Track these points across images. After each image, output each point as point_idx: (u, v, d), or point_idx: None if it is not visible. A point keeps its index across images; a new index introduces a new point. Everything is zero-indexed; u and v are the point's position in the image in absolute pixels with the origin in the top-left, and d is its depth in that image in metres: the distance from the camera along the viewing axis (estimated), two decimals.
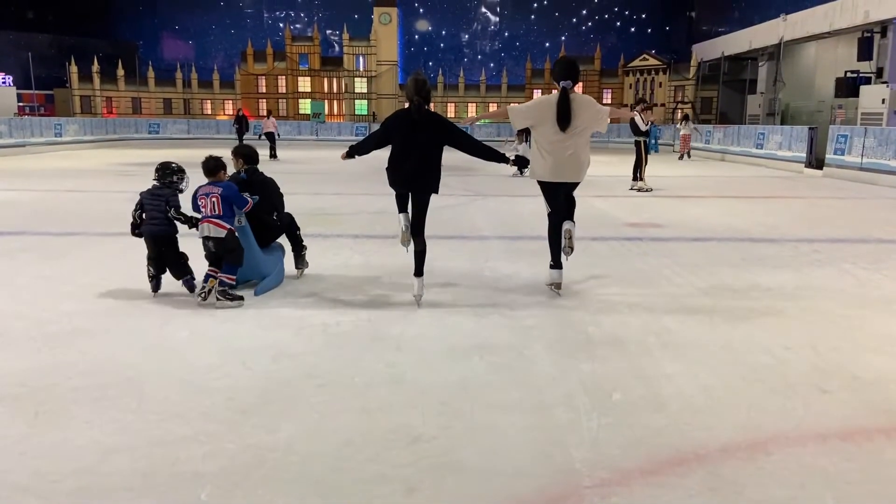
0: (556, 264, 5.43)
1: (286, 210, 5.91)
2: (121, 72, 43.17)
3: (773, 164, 20.59)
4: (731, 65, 33.97)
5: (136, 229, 5.26)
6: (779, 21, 27.94)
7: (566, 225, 5.32)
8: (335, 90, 45.07)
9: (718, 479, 2.66)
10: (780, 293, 5.53)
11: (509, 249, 7.30)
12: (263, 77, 44.87)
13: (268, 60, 44.75)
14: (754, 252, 7.28)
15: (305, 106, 44.40)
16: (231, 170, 5.63)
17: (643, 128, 13.12)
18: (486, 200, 11.61)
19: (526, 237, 7.76)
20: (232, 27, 57.71)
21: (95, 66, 42.33)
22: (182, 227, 5.26)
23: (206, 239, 5.07)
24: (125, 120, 36.68)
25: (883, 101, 19.89)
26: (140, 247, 5.32)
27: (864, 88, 21.40)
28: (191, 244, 5.35)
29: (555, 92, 5.30)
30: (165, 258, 5.22)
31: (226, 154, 5.64)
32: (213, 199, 5.05)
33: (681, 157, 24.41)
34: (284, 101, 44.24)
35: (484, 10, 59.92)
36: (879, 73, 21.80)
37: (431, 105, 5.22)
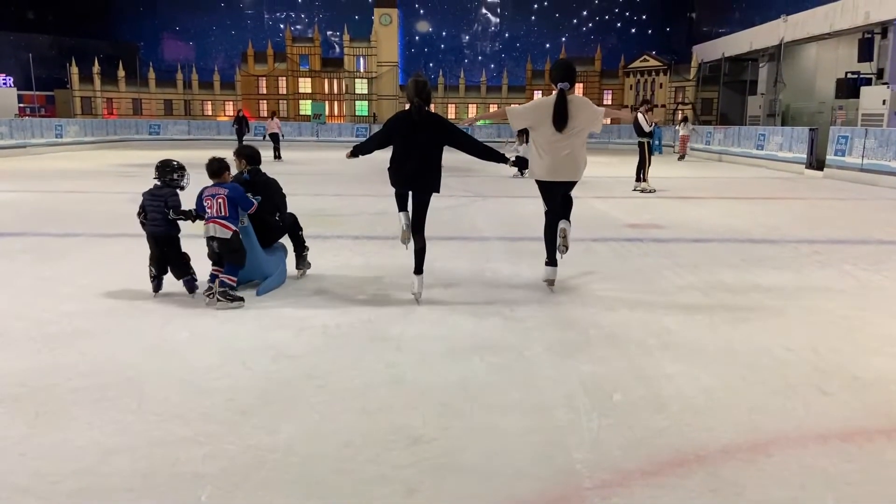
0: (551, 262, 5.59)
1: (289, 211, 5.93)
2: (121, 73, 43.21)
3: (774, 165, 20.59)
4: (731, 66, 33.99)
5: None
6: (779, 22, 27.96)
7: (561, 224, 5.44)
8: (336, 91, 45.10)
9: (719, 480, 2.66)
10: (781, 294, 5.53)
11: (510, 250, 7.30)
12: (264, 78, 44.90)
13: (268, 61, 44.79)
14: (755, 253, 7.28)
15: (306, 107, 44.44)
16: (234, 171, 5.65)
17: (647, 129, 13.10)
18: (486, 201, 11.61)
19: (526, 238, 7.76)
20: (232, 28, 57.72)
21: (96, 67, 42.37)
22: (185, 227, 5.26)
23: (210, 239, 5.08)
24: (126, 121, 36.70)
25: (883, 102, 19.91)
26: (140, 248, 5.33)
27: (864, 89, 21.42)
28: (193, 245, 5.35)
29: (553, 93, 5.38)
30: (167, 258, 5.23)
31: (227, 155, 5.64)
32: (220, 199, 5.06)
33: (680, 158, 24.48)
34: (285, 102, 44.26)
35: (484, 11, 59.94)
36: (880, 74, 21.81)
37: (432, 106, 5.31)
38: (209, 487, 2.58)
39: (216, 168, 5.25)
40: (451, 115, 42.20)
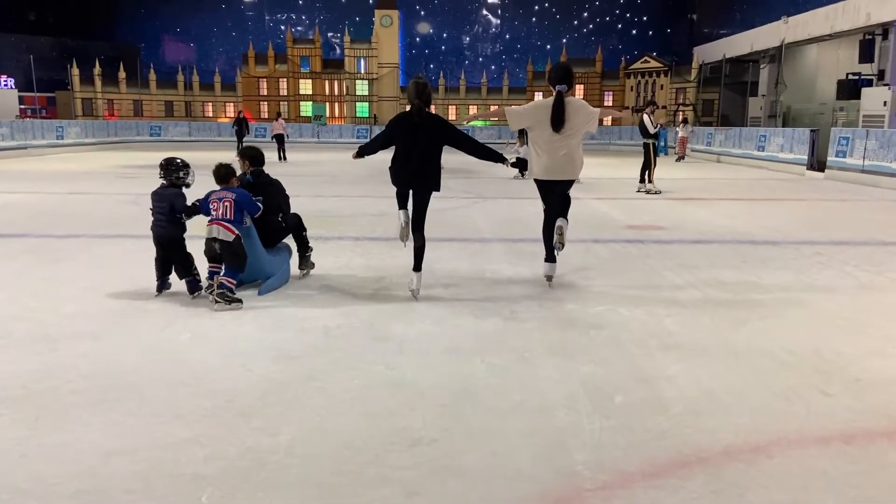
0: (549, 258, 5.76)
1: (294, 211, 5.96)
2: (122, 74, 43.27)
3: (775, 166, 20.59)
4: (732, 67, 33.99)
5: None
6: (780, 23, 27.96)
7: (558, 222, 5.60)
8: (336, 92, 45.13)
9: (720, 481, 2.66)
10: (782, 295, 5.52)
11: (510, 251, 7.29)
12: (265, 79, 44.95)
13: (269, 63, 44.84)
14: (756, 254, 7.27)
15: (307, 108, 44.48)
16: (238, 172, 5.69)
17: (652, 130, 13.08)
18: (486, 203, 11.60)
19: (527, 239, 7.76)
20: (233, 29, 57.80)
21: (97, 69, 42.43)
22: (190, 229, 5.29)
23: (212, 240, 5.09)
24: (126, 122, 36.78)
25: (884, 103, 19.90)
26: (140, 249, 5.34)
27: (865, 91, 21.41)
28: (194, 245, 5.36)
29: (551, 96, 5.57)
30: (172, 259, 5.24)
31: (228, 156, 5.65)
32: (227, 203, 5.11)
33: (678, 159, 24.52)
34: (286, 103, 44.29)
35: (485, 12, 60.00)
36: (881, 75, 21.81)
37: (432, 107, 5.47)
38: (209, 489, 2.57)
39: (223, 174, 5.32)
40: (451, 116, 42.24)
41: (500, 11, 59.80)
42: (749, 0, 42.01)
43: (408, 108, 5.33)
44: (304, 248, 5.96)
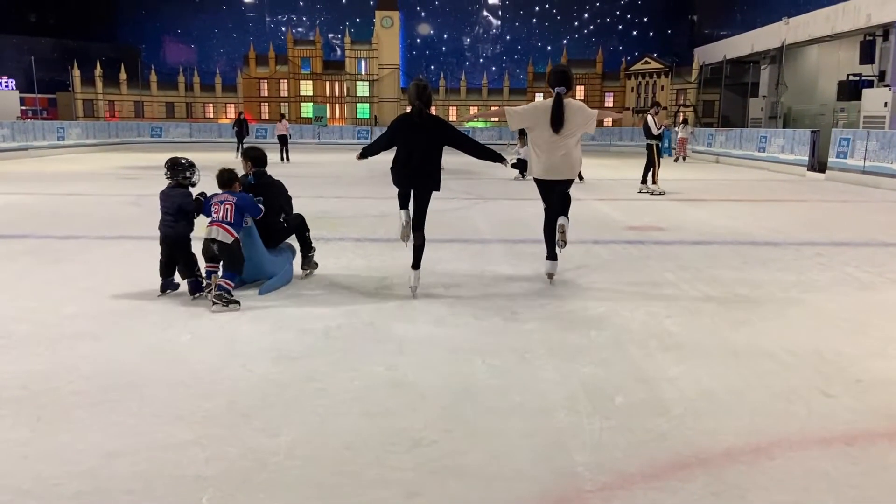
0: (551, 256, 5.90)
1: (296, 212, 5.97)
2: (123, 75, 43.28)
3: (776, 167, 20.58)
4: (732, 68, 33.97)
5: None
6: (781, 24, 27.96)
7: (560, 220, 5.73)
8: (337, 94, 45.14)
9: (721, 483, 2.65)
10: (783, 296, 5.52)
11: (510, 252, 7.29)
12: (265, 81, 44.96)
13: (270, 64, 44.85)
14: (757, 255, 7.27)
15: (307, 109, 44.48)
16: (242, 173, 5.74)
17: (656, 131, 13.06)
18: (487, 204, 11.60)
19: (527, 240, 7.76)
20: (234, 31, 57.85)
21: (98, 70, 42.44)
22: (195, 229, 5.31)
23: (211, 241, 5.11)
24: (127, 123, 36.78)
25: (885, 104, 19.88)
26: (141, 250, 5.34)
27: (866, 92, 21.39)
28: (196, 246, 5.37)
29: (550, 98, 5.70)
30: (176, 258, 5.26)
31: (229, 157, 5.67)
32: (228, 206, 5.15)
33: (676, 160, 24.56)
34: (286, 104, 44.30)
35: (486, 13, 60.02)
36: (882, 76, 21.79)
37: (433, 109, 5.57)
38: (210, 490, 2.57)
39: (226, 179, 5.39)
40: (452, 117, 42.25)
41: (500, 12, 59.83)
42: (749, 1, 42.07)
43: (408, 109, 5.43)
44: (306, 249, 5.98)
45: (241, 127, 24.99)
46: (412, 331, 4.54)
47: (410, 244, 5.42)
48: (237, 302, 5.00)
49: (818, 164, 18.71)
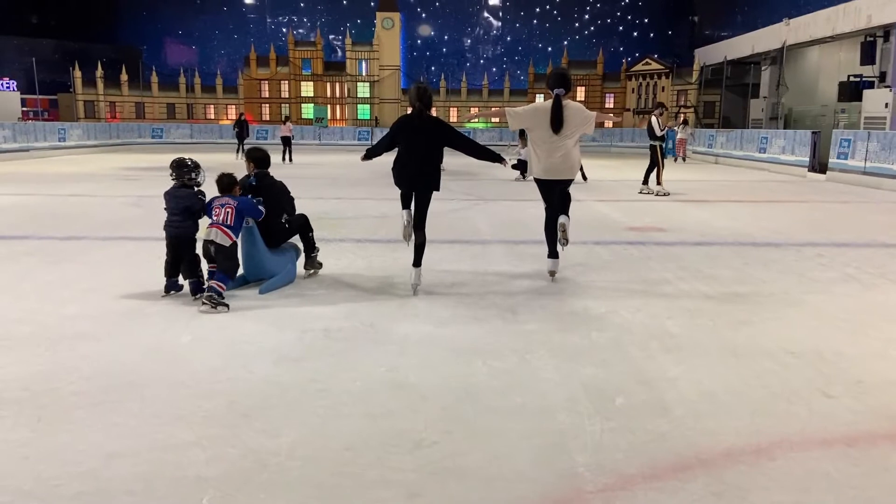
0: (552, 254, 6.03)
1: (299, 212, 5.99)
2: (124, 77, 43.35)
3: (776, 168, 20.57)
4: (733, 69, 33.98)
5: None
6: (781, 25, 27.97)
7: (560, 219, 5.84)
8: (338, 95, 45.19)
9: (722, 484, 2.65)
10: (784, 297, 5.52)
11: (511, 253, 7.29)
12: (266, 82, 45.02)
13: (271, 65, 44.91)
14: (757, 256, 7.26)
15: (308, 110, 44.52)
16: (245, 173, 5.77)
17: (659, 133, 13.05)
18: (487, 204, 11.60)
19: (528, 241, 7.76)
20: (235, 32, 57.92)
21: (99, 71, 42.51)
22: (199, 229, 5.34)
23: (209, 242, 5.12)
24: (128, 124, 36.81)
25: (886, 105, 19.89)
26: (141, 251, 5.34)
27: (867, 93, 21.40)
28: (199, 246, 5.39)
29: (550, 99, 5.81)
30: (181, 258, 5.28)
31: (229, 158, 5.68)
32: (228, 209, 5.18)
33: (675, 160, 24.57)
34: (287, 105, 44.36)
35: (486, 14, 60.06)
36: (882, 77, 21.81)
37: (433, 110, 5.68)
38: (211, 491, 2.58)
39: (227, 183, 5.42)
40: (453, 118, 42.29)
41: (501, 14, 59.86)
42: (750, 2, 42.08)
43: (409, 110, 5.53)
44: (310, 249, 5.99)
45: (241, 128, 25.02)
46: (413, 332, 4.54)
47: (412, 243, 5.50)
48: (226, 304, 4.97)
49: (819, 165, 18.70)
